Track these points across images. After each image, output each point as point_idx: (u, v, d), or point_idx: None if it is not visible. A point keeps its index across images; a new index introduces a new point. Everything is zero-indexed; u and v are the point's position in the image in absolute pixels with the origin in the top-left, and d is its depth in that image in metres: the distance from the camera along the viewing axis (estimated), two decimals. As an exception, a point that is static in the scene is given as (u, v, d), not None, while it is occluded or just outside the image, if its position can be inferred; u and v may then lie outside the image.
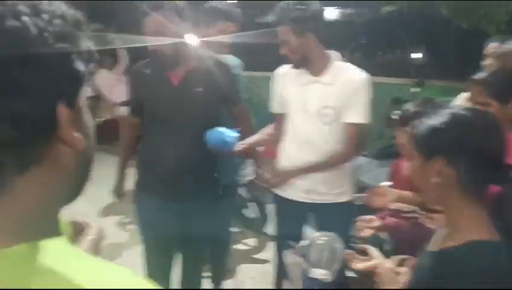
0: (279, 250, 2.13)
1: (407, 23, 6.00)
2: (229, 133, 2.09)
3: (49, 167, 0.54)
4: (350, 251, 1.71)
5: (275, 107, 2.29)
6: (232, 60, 2.42)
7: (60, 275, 0.51)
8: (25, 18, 0.49)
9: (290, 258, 2.00)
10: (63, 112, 0.52)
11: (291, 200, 2.23)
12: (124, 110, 4.98)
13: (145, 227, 2.18)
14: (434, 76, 4.27)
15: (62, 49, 0.52)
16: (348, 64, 2.17)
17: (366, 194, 2.61)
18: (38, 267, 0.51)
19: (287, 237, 2.05)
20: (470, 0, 3.90)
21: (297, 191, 2.21)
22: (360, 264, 1.53)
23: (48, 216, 0.57)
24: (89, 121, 0.60)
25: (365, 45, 7.13)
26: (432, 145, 1.07)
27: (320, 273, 1.96)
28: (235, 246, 3.26)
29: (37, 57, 0.50)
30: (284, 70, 2.23)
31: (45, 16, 0.51)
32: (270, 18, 2.05)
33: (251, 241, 3.54)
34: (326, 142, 2.11)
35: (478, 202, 1.05)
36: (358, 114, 2.07)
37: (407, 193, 1.73)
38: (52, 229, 0.56)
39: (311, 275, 1.95)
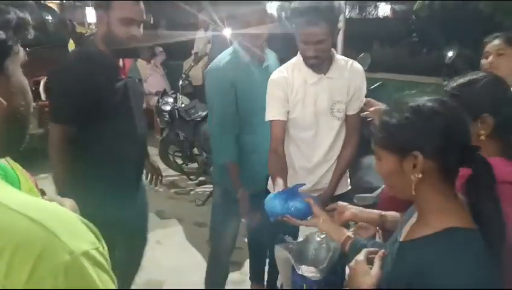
0: (271, 245, 2.11)
1: (455, 21, 5.74)
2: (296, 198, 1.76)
3: None
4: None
5: (278, 114, 2.07)
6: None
7: None
8: None
9: (281, 253, 1.98)
10: None
11: None
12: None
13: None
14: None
15: None
16: (345, 57, 2.13)
17: (369, 195, 2.55)
18: None
19: (283, 233, 2.03)
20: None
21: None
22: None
23: None
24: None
25: (415, 42, 6.93)
26: (405, 141, 1.05)
27: (309, 271, 1.93)
28: (245, 239, 3.26)
29: None
30: (284, 75, 2.07)
31: None
32: (305, 17, 1.88)
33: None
34: (338, 138, 2.12)
35: (452, 188, 1.06)
36: (360, 104, 2.09)
37: (368, 212, 1.65)
38: None
39: (300, 272, 1.93)
